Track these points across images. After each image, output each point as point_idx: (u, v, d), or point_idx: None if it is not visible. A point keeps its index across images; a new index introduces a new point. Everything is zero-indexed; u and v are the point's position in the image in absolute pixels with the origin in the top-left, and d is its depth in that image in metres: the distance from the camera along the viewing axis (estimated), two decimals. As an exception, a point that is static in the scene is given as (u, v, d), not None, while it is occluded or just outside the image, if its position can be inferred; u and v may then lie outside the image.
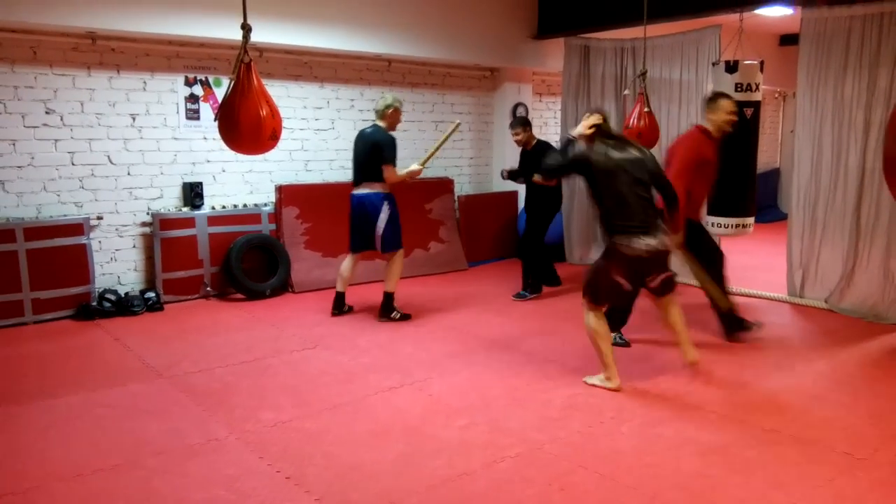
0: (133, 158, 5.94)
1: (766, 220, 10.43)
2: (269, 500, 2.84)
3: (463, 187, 8.13)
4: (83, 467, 3.10)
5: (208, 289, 6.20)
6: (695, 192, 4.63)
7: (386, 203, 5.26)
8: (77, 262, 5.56)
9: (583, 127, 3.98)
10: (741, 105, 5.69)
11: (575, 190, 7.76)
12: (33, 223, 5.40)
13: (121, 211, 5.94)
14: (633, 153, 3.92)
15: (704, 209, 4.88)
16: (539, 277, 6.44)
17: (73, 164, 5.67)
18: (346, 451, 3.26)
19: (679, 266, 4.86)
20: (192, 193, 6.15)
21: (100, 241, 5.84)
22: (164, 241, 5.97)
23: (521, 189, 6.69)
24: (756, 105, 5.75)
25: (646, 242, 3.79)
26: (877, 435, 3.44)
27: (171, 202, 6.17)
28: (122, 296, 5.72)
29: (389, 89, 7.32)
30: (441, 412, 3.71)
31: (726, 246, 6.61)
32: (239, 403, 3.82)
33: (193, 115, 6.19)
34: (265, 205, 6.63)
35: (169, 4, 5.43)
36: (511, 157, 7.30)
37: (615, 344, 4.46)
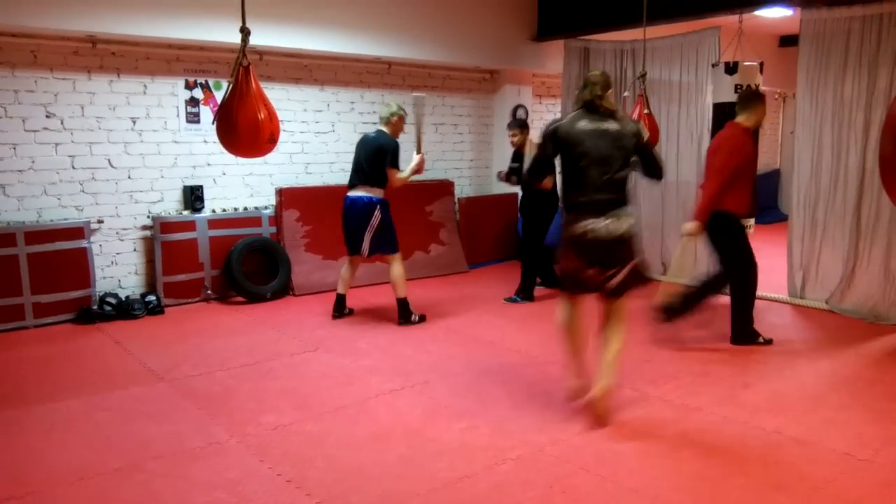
0: (133, 162, 5.95)
1: (767, 221, 10.43)
2: (271, 504, 2.84)
3: (463, 189, 8.13)
4: (84, 471, 3.09)
5: (209, 292, 6.20)
6: (742, 188, 4.66)
7: (379, 207, 5.27)
8: (78, 266, 5.56)
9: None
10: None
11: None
12: (34, 227, 5.40)
13: (121, 214, 5.94)
14: (610, 126, 3.48)
15: (753, 206, 4.83)
16: (543, 280, 6.49)
17: (73, 167, 5.68)
18: (347, 454, 3.26)
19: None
20: (193, 197, 6.16)
21: (100, 245, 5.85)
22: (164, 244, 5.97)
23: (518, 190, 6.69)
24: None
25: (593, 223, 3.41)
26: (878, 436, 3.44)
27: (171, 205, 6.17)
28: (123, 299, 5.72)
29: (389, 92, 7.34)
30: (442, 415, 3.71)
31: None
32: (240, 406, 3.82)
33: (194, 118, 6.20)
34: (265, 208, 6.63)
35: (169, 8, 5.44)
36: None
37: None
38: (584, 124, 3.49)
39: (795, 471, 3.09)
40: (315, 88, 6.89)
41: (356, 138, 6.95)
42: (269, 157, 6.47)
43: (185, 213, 6.16)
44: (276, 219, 6.62)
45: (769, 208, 11.43)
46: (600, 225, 3.41)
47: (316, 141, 6.96)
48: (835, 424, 3.57)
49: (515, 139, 6.25)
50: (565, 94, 7.73)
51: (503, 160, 7.89)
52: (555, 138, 3.54)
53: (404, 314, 5.44)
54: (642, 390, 4.05)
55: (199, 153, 6.26)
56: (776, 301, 6.00)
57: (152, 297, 5.80)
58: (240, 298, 6.23)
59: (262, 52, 6.34)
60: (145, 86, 5.96)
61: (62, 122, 5.60)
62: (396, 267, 5.38)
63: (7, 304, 5.25)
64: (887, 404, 3.85)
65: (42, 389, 4.08)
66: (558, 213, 7.09)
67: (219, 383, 4.18)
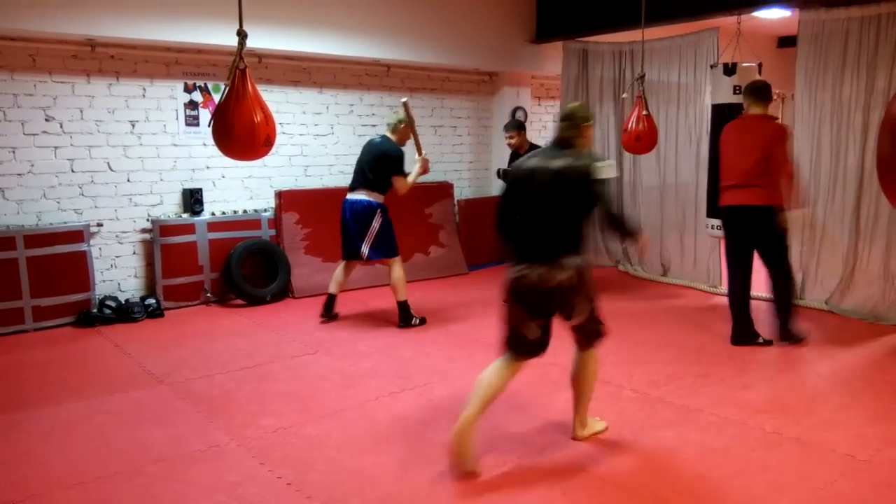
0: (133, 165, 5.95)
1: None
2: (271, 507, 2.84)
3: (462, 191, 8.13)
4: (84, 475, 3.09)
5: (208, 295, 6.20)
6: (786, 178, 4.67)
7: (379, 212, 5.28)
8: (77, 269, 5.56)
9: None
10: (740, 108, 5.71)
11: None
12: (33, 230, 5.40)
13: (121, 217, 5.94)
14: (557, 163, 3.09)
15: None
16: None
17: (72, 171, 5.68)
18: (347, 457, 3.26)
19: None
20: (192, 199, 6.16)
21: (100, 248, 5.84)
22: (164, 247, 5.97)
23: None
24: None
25: (528, 269, 3.07)
26: (878, 436, 3.44)
27: (170, 208, 6.17)
28: (123, 302, 5.72)
29: (388, 94, 7.35)
30: (442, 417, 3.70)
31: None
32: (240, 409, 3.82)
33: (193, 121, 6.20)
34: (265, 210, 6.63)
35: (168, 11, 5.44)
36: (511, 161, 7.31)
37: None
38: (534, 161, 3.17)
39: (796, 472, 3.09)
40: (314, 91, 6.90)
41: (355, 141, 7.00)
42: (269, 159, 6.50)
43: (185, 216, 6.16)
44: (276, 221, 6.62)
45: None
46: (534, 273, 3.05)
47: (315, 143, 6.96)
48: (835, 425, 3.57)
49: (513, 141, 6.28)
50: (564, 96, 7.74)
51: (502, 162, 7.89)
52: (508, 178, 3.30)
53: (405, 317, 5.43)
54: (642, 391, 4.05)
55: (198, 156, 6.26)
56: (773, 301, 5.99)
57: (152, 301, 5.80)
58: (239, 301, 6.23)
59: (261, 55, 6.34)
60: (144, 89, 5.96)
61: (61, 126, 5.60)
62: (397, 270, 5.38)
63: (7, 308, 5.24)
64: (887, 405, 3.85)
65: (42, 393, 4.08)
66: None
67: (218, 386, 4.18)
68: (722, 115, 5.81)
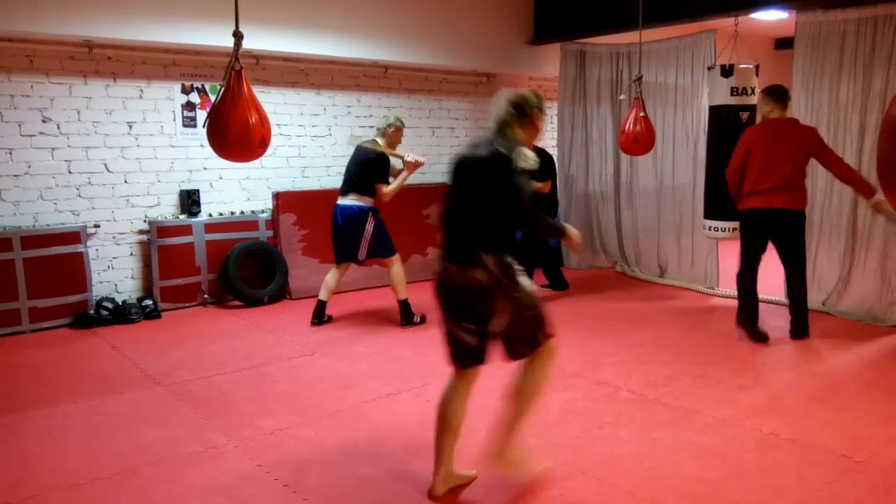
0: (130, 166, 5.94)
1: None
2: (268, 508, 2.84)
3: (460, 193, 8.12)
4: (80, 476, 3.09)
5: (206, 296, 6.19)
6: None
7: (371, 216, 5.30)
8: (74, 271, 5.55)
9: None
10: (737, 109, 5.72)
11: (572, 195, 7.78)
12: (30, 232, 5.39)
13: (118, 219, 5.93)
14: (484, 151, 2.83)
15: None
16: (551, 283, 6.55)
17: (69, 172, 5.67)
18: (344, 458, 3.26)
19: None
20: (190, 201, 6.15)
21: (97, 249, 5.83)
22: (161, 248, 5.97)
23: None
24: (752, 109, 5.76)
25: (444, 268, 2.85)
26: (875, 437, 3.44)
27: (168, 210, 6.16)
28: (120, 304, 5.71)
29: (386, 95, 7.35)
30: (439, 418, 3.70)
31: (723, 250, 6.64)
32: (237, 411, 3.82)
33: (190, 122, 6.20)
34: (262, 211, 6.63)
35: (165, 12, 5.44)
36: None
37: None
38: (467, 150, 2.94)
39: (793, 473, 3.09)
40: (312, 92, 6.90)
41: (353, 142, 6.99)
42: (266, 160, 6.50)
43: (182, 217, 6.15)
44: (273, 223, 6.62)
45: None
46: (452, 271, 2.81)
47: (313, 145, 6.96)
48: (832, 426, 3.58)
49: None
50: (562, 98, 7.74)
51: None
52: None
53: (406, 315, 5.44)
54: (640, 393, 4.05)
55: (195, 157, 6.25)
56: (773, 303, 6.01)
57: (149, 302, 5.80)
58: (237, 302, 6.22)
59: (258, 57, 6.34)
60: (141, 90, 5.95)
61: (58, 127, 5.59)
62: (396, 269, 5.39)
63: (3, 309, 5.24)
64: (884, 406, 3.85)
65: (38, 394, 4.07)
66: (558, 216, 7.12)
67: (216, 387, 4.17)
68: (719, 116, 5.82)
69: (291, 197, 6.68)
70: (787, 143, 4.79)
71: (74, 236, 5.57)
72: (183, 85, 6.15)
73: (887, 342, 5.03)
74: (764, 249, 5.00)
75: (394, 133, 5.42)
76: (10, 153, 5.41)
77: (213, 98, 6.25)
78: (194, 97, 6.21)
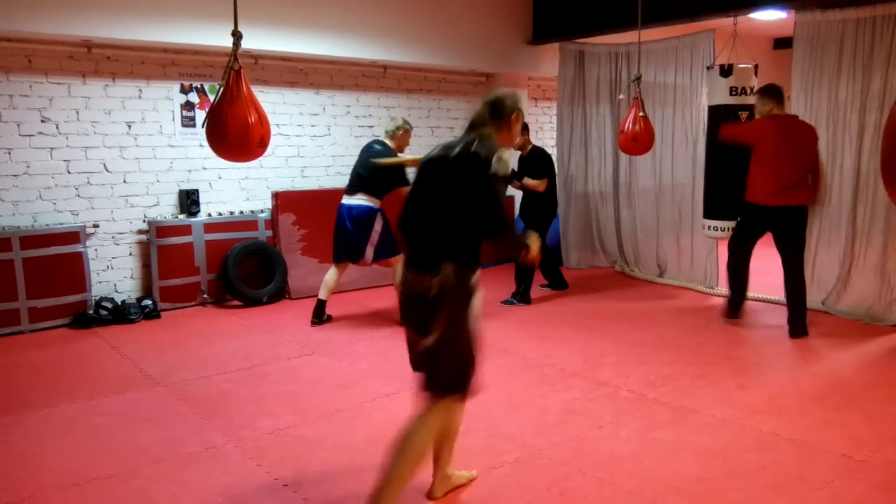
0: (129, 166, 5.94)
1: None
2: (268, 508, 2.84)
3: (459, 192, 8.12)
4: (80, 476, 3.08)
5: (205, 296, 6.19)
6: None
7: (379, 215, 5.31)
8: (73, 271, 5.55)
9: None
10: (736, 109, 5.72)
11: (572, 195, 7.78)
12: (29, 232, 5.38)
13: (117, 219, 5.93)
14: (456, 150, 2.64)
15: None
16: (551, 283, 6.54)
17: (68, 172, 5.67)
18: (344, 458, 3.26)
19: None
20: (189, 201, 6.15)
21: (96, 249, 5.83)
22: (160, 248, 5.96)
23: (518, 194, 6.70)
24: (751, 109, 5.76)
25: (405, 274, 2.69)
26: (875, 437, 3.44)
27: (167, 209, 6.16)
28: (119, 304, 5.71)
29: (385, 95, 7.35)
30: (439, 418, 3.70)
31: (723, 249, 6.64)
32: (236, 411, 3.81)
33: (189, 122, 6.20)
34: (261, 211, 6.62)
35: (164, 12, 5.43)
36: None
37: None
38: (437, 150, 2.76)
39: (792, 472, 3.09)
40: (311, 92, 6.89)
41: (352, 142, 7.00)
42: (265, 160, 6.50)
43: (181, 216, 6.15)
44: (273, 222, 6.61)
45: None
46: (408, 278, 2.66)
47: (312, 145, 6.96)
48: (831, 426, 3.58)
49: (516, 142, 6.24)
50: (561, 97, 7.74)
51: (499, 163, 7.90)
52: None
53: None
54: (639, 392, 4.05)
55: (194, 157, 6.25)
56: (772, 302, 6.01)
57: (148, 302, 5.79)
58: (236, 302, 6.22)
59: (257, 56, 6.33)
60: (140, 90, 5.95)
61: (57, 127, 5.59)
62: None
63: (3, 309, 5.23)
64: (884, 405, 3.85)
65: (37, 394, 4.07)
66: (558, 216, 7.12)
67: (215, 387, 4.17)
68: (718, 116, 5.82)
69: (291, 197, 6.68)
70: (801, 140, 4.94)
71: (74, 236, 5.57)
72: (182, 85, 6.14)
73: (887, 341, 5.03)
74: (754, 243, 5.17)
75: (402, 135, 5.44)
76: (9, 153, 5.41)
77: (212, 98, 6.25)
78: (193, 97, 6.20)
